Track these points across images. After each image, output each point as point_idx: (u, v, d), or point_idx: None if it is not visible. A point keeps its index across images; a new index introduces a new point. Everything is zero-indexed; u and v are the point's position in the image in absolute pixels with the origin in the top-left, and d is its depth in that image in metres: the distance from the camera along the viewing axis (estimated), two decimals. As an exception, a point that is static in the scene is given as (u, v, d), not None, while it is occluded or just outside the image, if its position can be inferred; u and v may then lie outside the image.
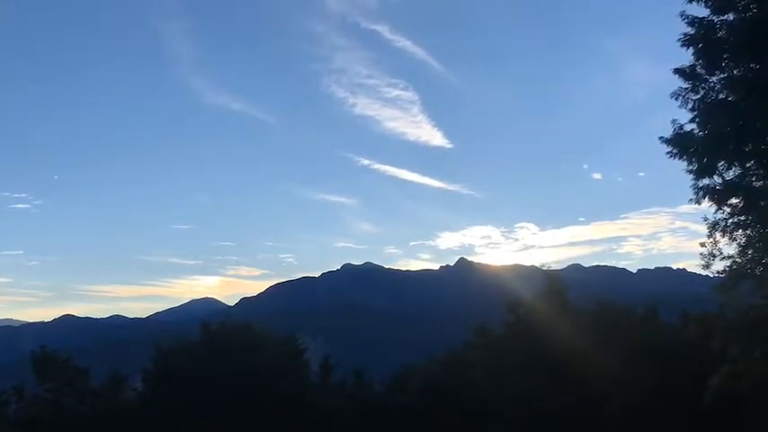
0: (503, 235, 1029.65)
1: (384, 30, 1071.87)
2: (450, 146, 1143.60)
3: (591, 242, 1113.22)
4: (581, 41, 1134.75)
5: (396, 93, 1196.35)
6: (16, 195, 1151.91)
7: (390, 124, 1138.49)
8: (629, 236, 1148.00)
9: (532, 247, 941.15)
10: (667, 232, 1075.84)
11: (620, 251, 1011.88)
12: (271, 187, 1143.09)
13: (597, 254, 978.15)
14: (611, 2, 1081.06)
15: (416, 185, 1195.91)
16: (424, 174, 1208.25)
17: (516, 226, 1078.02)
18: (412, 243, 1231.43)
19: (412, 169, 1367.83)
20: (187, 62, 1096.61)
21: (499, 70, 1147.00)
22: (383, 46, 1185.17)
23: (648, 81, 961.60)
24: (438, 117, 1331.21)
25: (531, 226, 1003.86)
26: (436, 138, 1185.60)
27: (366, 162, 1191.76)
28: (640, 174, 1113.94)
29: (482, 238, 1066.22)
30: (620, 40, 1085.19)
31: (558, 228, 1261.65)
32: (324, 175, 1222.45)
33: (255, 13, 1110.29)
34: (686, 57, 20.72)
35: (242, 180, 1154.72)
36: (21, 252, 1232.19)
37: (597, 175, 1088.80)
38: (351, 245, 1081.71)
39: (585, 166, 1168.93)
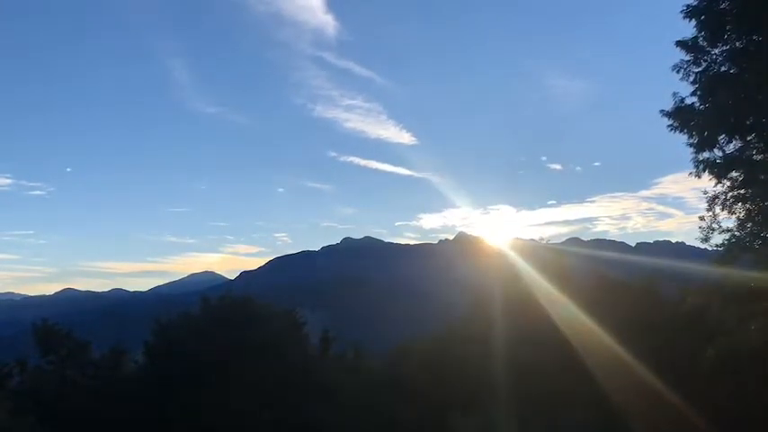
0: (482, 215, 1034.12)
1: (330, 56, 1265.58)
2: (416, 142, 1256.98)
3: (567, 222, 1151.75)
4: (513, 59, 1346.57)
5: (352, 102, 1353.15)
6: (32, 184, 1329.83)
7: (352, 125, 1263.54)
8: (602, 216, 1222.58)
9: (513, 226, 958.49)
10: (637, 213, 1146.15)
11: (595, 230, 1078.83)
12: (255, 175, 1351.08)
13: (575, 232, 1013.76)
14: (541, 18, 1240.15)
15: (388, 174, 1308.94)
16: (396, 165, 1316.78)
17: (491, 208, 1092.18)
18: (397, 223, 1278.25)
19: (382, 160, 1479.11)
20: (181, 77, 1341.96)
21: (447, 83, 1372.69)
22: (330, 67, 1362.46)
23: (571, 90, 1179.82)
24: (403, 120, 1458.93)
25: (507, 207, 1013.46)
26: (404, 137, 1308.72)
27: (334, 154, 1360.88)
28: (596, 163, 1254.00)
29: (462, 218, 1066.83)
30: (547, 56, 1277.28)
31: (531, 210, 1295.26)
32: (300, 166, 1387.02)
33: (234, 43, 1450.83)
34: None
35: (228, 169, 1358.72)
36: (32, 232, 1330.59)
37: (557, 166, 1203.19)
38: (337, 225, 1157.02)
39: (544, 158, 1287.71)
